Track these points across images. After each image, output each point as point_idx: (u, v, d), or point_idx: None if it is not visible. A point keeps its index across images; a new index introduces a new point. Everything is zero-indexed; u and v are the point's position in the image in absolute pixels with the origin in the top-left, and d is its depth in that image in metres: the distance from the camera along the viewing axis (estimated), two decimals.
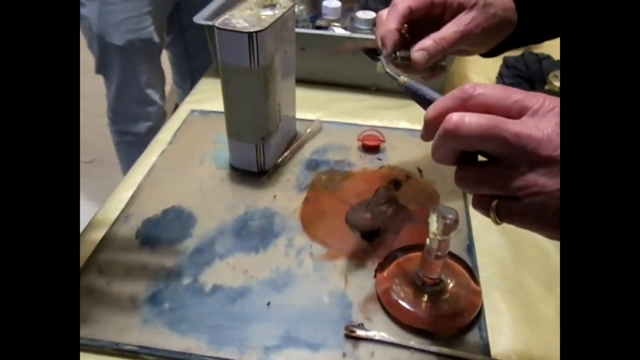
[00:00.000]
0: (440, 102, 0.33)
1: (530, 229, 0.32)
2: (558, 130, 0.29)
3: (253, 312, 0.46)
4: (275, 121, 0.61)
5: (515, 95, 0.31)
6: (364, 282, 0.48)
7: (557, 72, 0.70)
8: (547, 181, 0.29)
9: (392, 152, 0.67)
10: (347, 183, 0.62)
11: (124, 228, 0.54)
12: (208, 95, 0.79)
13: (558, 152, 0.29)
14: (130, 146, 1.23)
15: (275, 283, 0.48)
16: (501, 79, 0.83)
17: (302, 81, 0.75)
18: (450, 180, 0.62)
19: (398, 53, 0.48)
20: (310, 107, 0.76)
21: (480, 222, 0.56)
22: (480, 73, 0.87)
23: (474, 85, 0.32)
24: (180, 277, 0.49)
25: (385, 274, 0.48)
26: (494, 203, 0.32)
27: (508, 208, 0.32)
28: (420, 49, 0.47)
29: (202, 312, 0.45)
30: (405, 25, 0.49)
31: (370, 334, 0.43)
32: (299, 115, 0.69)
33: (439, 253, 0.43)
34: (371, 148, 0.67)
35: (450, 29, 0.47)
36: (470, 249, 0.52)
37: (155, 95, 1.19)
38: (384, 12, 0.49)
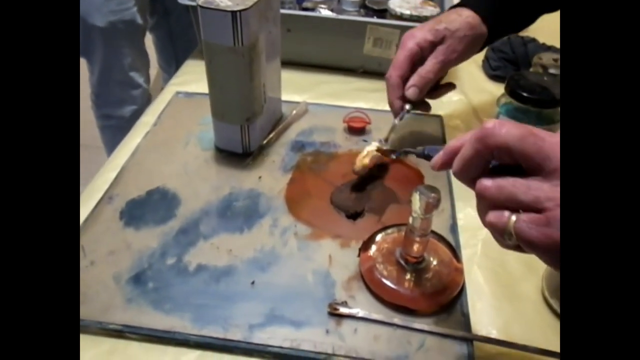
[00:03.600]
0: (463, 135, 0.34)
1: (545, 248, 0.29)
2: None
3: (237, 291, 0.46)
4: (261, 102, 0.60)
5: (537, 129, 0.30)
6: (347, 261, 0.49)
7: (542, 54, 0.70)
8: None
9: (377, 134, 0.67)
10: (332, 164, 0.62)
11: (108, 209, 0.54)
12: (193, 77, 0.78)
13: None
14: (115, 130, 1.22)
15: (260, 262, 0.48)
16: (487, 62, 0.83)
17: (288, 63, 0.75)
18: None
19: (407, 107, 0.59)
20: (296, 89, 0.75)
21: (464, 203, 0.57)
22: None
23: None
24: (165, 257, 0.49)
25: (369, 253, 0.49)
26: (514, 217, 0.30)
27: (530, 220, 0.29)
28: (412, 86, 0.57)
29: (187, 292, 0.46)
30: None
31: (354, 311, 0.44)
32: (284, 97, 0.69)
33: (422, 232, 0.44)
34: (357, 130, 0.67)
35: (431, 62, 0.56)
36: (453, 228, 0.53)
37: (139, 79, 1.17)
38: (390, 77, 0.58)
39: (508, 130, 0.30)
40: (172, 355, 0.42)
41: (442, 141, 0.66)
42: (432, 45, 0.56)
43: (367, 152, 0.57)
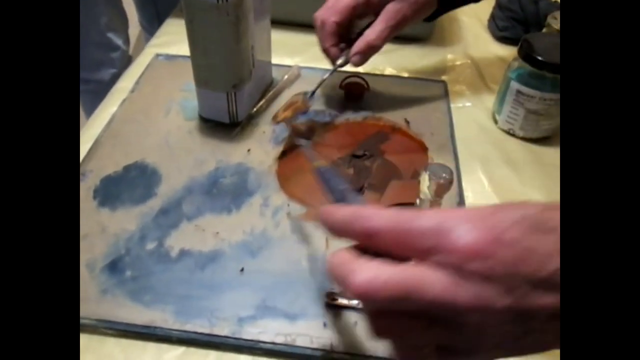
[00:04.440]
0: (339, 255, 0.27)
1: None
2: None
3: (225, 280, 0.41)
4: (249, 67, 0.54)
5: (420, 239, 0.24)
6: (346, 245, 0.44)
7: (557, 14, 0.64)
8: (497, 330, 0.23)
9: (377, 102, 0.61)
10: (328, 135, 0.57)
11: (80, 187, 0.49)
12: (175, 38, 0.71)
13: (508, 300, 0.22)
14: (94, 95, 1.14)
15: (250, 247, 0.44)
16: (494, 22, 0.77)
17: (279, 23, 0.69)
18: (440, 133, 0.57)
19: (338, 62, 0.54)
20: (288, 51, 0.69)
21: (472, 178, 0.52)
22: (472, 15, 0.81)
23: (370, 216, 0.26)
24: (144, 241, 0.44)
25: None
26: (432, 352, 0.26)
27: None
28: (356, 54, 0.53)
29: (168, 281, 0.41)
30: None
31: (353, 302, 0.40)
32: (275, 60, 0.63)
33: None
34: (354, 96, 0.61)
35: (379, 27, 0.52)
36: (460, 206, 0.49)
37: (117, 40, 1.09)
38: (327, 22, 0.53)
39: (384, 290, 0.23)
40: (153, 353, 0.38)
41: (447, 108, 0.61)
42: (380, 1, 0.51)
43: (290, 102, 0.54)
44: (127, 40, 1.15)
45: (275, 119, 0.50)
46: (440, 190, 0.36)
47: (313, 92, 0.54)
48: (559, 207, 0.23)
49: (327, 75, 0.55)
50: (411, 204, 0.41)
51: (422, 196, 0.38)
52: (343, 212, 0.27)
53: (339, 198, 0.33)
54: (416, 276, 0.23)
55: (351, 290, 0.24)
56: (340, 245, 0.44)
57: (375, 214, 0.25)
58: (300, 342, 0.38)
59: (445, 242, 0.23)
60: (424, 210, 0.25)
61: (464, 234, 0.23)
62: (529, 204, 0.24)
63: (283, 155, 0.53)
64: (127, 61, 1.14)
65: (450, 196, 0.49)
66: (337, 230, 0.28)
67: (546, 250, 0.22)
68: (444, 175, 0.36)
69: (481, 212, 0.24)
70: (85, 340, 0.38)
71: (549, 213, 0.23)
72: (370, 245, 0.26)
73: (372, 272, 0.24)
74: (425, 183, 0.37)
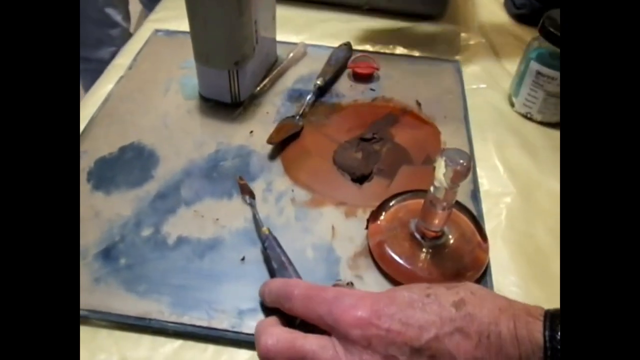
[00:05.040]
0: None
1: None
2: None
3: (225, 269, 0.39)
4: (252, 43, 0.51)
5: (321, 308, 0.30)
6: (353, 234, 0.42)
7: None
8: None
9: (387, 82, 0.58)
10: (335, 117, 0.54)
11: None
12: (174, 13, 0.68)
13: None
14: (95, 74, 1.11)
15: (251, 234, 0.42)
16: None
17: None
18: (453, 116, 0.54)
19: (318, 81, 0.55)
20: (293, 28, 0.66)
21: (487, 164, 0.50)
22: None
23: (293, 284, 0.32)
24: (140, 227, 0.42)
25: (378, 224, 0.42)
26: None
27: None
28: None
29: (165, 269, 0.39)
30: None
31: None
32: (280, 37, 0.60)
33: (445, 203, 0.36)
34: (363, 76, 0.58)
35: None
36: (475, 195, 0.46)
37: (117, 16, 1.06)
38: None
39: (278, 349, 0.29)
40: (147, 346, 0.35)
41: (461, 90, 0.58)
42: None
43: (281, 125, 0.51)
44: (127, 17, 1.11)
45: (270, 140, 0.49)
46: (456, 178, 0.33)
47: (301, 115, 0.52)
48: (441, 284, 0.28)
49: (309, 96, 0.54)
50: (423, 191, 0.38)
51: (436, 184, 0.35)
52: (277, 283, 0.33)
53: (278, 267, 0.37)
54: (311, 344, 0.28)
55: (258, 351, 0.30)
56: (346, 235, 0.42)
57: (296, 284, 0.32)
58: None
59: (337, 310, 0.28)
60: (332, 287, 0.31)
61: (352, 305, 0.28)
62: (416, 286, 0.29)
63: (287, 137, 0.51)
64: (127, 39, 1.11)
65: (464, 183, 0.46)
66: (269, 299, 0.34)
67: (422, 323, 0.26)
68: (461, 161, 0.33)
69: (377, 293, 0.29)
70: None
71: (430, 289, 0.28)
72: (289, 310, 0.31)
73: (275, 338, 0.29)
74: (440, 169, 0.34)
